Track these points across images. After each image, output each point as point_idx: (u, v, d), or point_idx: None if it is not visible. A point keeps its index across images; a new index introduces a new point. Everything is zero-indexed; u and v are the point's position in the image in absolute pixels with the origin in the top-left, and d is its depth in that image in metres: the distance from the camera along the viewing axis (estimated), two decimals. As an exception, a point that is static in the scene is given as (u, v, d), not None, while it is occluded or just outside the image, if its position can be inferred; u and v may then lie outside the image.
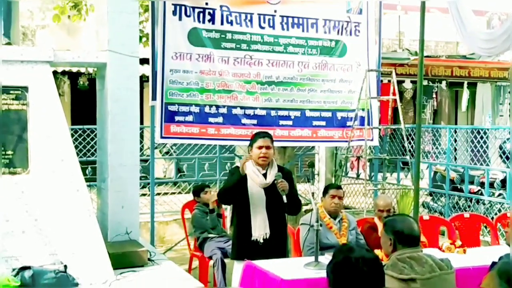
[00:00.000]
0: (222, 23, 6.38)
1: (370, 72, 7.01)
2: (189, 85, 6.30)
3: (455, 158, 9.79)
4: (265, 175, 4.52)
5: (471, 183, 8.48)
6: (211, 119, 6.44)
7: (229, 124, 6.52)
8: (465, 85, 12.70)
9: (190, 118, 6.33)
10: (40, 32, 11.50)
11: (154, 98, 6.20)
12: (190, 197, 7.18)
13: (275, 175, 4.43)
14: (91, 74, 10.44)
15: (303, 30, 6.72)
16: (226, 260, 5.78)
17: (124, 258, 4.68)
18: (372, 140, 7.18)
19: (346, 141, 7.07)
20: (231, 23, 6.43)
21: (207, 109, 6.40)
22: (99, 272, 4.35)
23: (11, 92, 4.77)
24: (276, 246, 4.51)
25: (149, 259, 4.86)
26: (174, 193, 9.20)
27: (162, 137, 6.29)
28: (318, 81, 6.84)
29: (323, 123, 6.92)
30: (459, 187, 8.71)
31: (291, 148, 7.62)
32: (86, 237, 4.50)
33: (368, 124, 7.05)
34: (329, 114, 6.93)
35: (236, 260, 4.61)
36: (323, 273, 3.77)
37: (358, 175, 9.92)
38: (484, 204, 8.23)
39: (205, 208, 6.29)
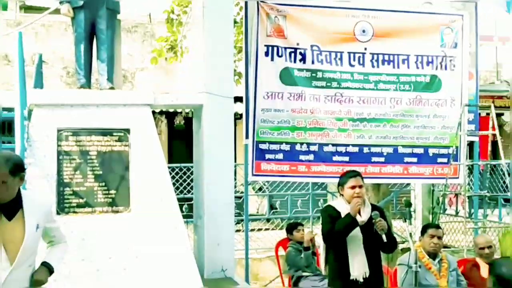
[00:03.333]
0: (313, 62, 6.46)
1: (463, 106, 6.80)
2: (280, 123, 6.39)
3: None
4: (358, 213, 4.47)
5: None
6: (301, 157, 6.48)
7: (320, 162, 6.53)
8: None
9: (280, 156, 6.41)
10: (139, 74, 12.08)
11: (247, 136, 6.34)
12: (283, 233, 7.20)
13: (373, 214, 4.37)
14: (187, 113, 10.81)
15: (394, 67, 6.67)
16: (320, 299, 5.72)
17: (220, 295, 4.76)
18: (458, 177, 6.95)
19: (436, 178, 6.90)
20: (322, 62, 6.50)
21: (298, 147, 6.46)
22: (197, 309, 4.45)
23: (114, 134, 5.05)
24: (375, 286, 4.42)
25: (244, 297, 4.91)
26: (267, 229, 9.26)
27: (253, 175, 6.40)
28: (412, 116, 6.73)
29: (415, 159, 6.79)
30: None
31: (385, 185, 7.50)
32: (185, 274, 4.63)
33: (455, 161, 6.83)
34: (421, 151, 6.80)
35: (334, 300, 4.54)
36: (422, 317, 3.69)
37: (457, 212, 9.57)
38: None
39: (299, 246, 6.28)
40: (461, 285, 4.78)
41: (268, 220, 9.57)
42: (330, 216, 4.56)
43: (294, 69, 6.41)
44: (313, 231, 6.30)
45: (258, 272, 8.38)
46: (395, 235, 4.79)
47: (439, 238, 4.86)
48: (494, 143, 9.78)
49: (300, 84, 6.44)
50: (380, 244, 4.36)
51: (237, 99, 6.90)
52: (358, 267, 4.41)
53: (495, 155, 10.41)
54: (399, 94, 6.69)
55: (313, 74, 6.47)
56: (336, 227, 4.41)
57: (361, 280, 4.40)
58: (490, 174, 9.83)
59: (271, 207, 9.43)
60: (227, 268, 5.30)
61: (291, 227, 6.53)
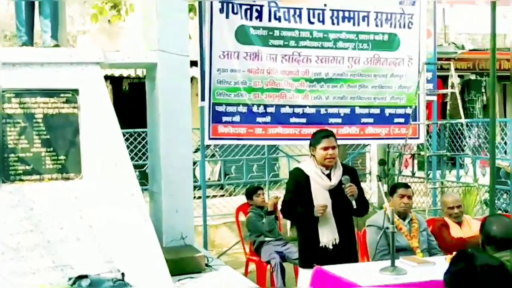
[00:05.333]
0: (270, 20, 6.21)
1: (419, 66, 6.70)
2: (237, 84, 6.15)
3: (506, 152, 9.29)
4: (329, 176, 4.26)
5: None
6: (259, 119, 6.29)
7: (277, 124, 6.36)
8: (514, 78, 12.22)
9: (237, 118, 6.18)
10: (81, 37, 11.48)
11: (203, 98, 6.05)
12: (238, 199, 7.01)
13: (343, 179, 4.17)
14: (133, 79, 10.39)
15: (354, 24, 6.48)
16: (284, 264, 5.57)
17: (182, 264, 4.51)
18: (418, 138, 6.91)
19: (392, 139, 6.87)
20: (279, 19, 6.25)
21: (254, 109, 6.26)
22: (157, 280, 4.17)
23: (62, 95, 4.64)
24: (347, 252, 4.25)
25: (206, 265, 4.67)
26: (222, 195, 9.07)
27: (210, 138, 6.14)
28: (369, 76, 6.61)
29: (371, 120, 6.70)
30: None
31: (342, 147, 7.38)
32: (143, 243, 4.33)
33: (414, 120, 6.76)
34: (377, 111, 6.71)
35: (304, 268, 4.34)
36: (401, 279, 3.54)
37: (413, 173, 9.59)
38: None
39: (260, 210, 6.09)
40: (431, 245, 4.70)
41: (221, 187, 9.35)
42: (295, 181, 4.34)
43: (250, 27, 6.14)
44: (277, 196, 6.08)
45: (215, 239, 8.18)
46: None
47: (409, 197, 4.74)
48: (444, 104, 9.79)
49: (256, 43, 6.19)
50: (350, 208, 4.19)
51: (192, 63, 6.57)
52: (328, 234, 4.23)
53: (442, 116, 10.46)
54: (358, 53, 6.54)
55: (270, 33, 6.23)
56: (293, 212, 4.32)
57: (331, 247, 4.23)
58: (438, 135, 9.85)
59: (225, 173, 9.20)
60: (186, 235, 5.04)
61: (251, 192, 6.32)
